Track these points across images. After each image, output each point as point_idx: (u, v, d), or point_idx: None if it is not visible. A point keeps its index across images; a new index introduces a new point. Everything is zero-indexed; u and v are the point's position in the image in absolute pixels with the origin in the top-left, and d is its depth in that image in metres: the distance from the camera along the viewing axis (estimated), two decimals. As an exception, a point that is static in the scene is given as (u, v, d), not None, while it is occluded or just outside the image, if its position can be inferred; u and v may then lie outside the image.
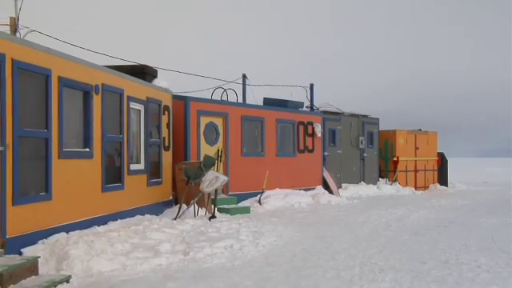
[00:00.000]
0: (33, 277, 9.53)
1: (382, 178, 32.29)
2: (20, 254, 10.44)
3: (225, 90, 24.70)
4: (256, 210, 20.38)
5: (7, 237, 10.27)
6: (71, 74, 12.75)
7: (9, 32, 13.82)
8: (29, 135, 11.22)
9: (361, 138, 30.90)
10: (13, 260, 9.61)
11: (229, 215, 18.40)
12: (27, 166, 11.09)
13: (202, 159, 19.01)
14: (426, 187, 33.87)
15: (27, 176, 11.06)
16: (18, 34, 14.16)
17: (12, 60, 10.51)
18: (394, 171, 32.43)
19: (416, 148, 33.95)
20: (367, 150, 31.37)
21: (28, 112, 11.15)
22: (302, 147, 26.02)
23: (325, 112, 28.88)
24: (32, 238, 11.07)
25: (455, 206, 23.69)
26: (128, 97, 15.73)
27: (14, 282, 9.03)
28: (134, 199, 16.00)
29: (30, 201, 11.18)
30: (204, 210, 17.62)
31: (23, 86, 10.86)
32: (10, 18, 14.45)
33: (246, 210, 19.59)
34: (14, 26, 14.39)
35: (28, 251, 10.63)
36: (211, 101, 22.30)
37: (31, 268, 9.64)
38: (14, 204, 10.52)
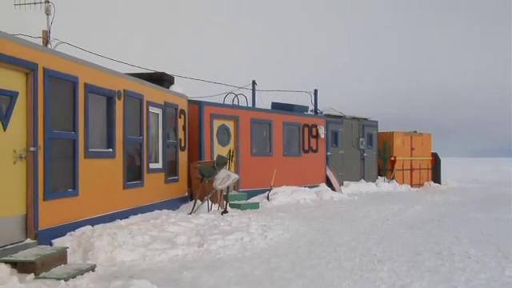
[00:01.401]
0: (62, 265, 9.65)
1: (381, 176, 32.29)
2: (51, 244, 10.54)
3: (236, 95, 24.71)
4: (264, 205, 20.41)
5: (39, 229, 10.37)
6: (96, 81, 12.83)
7: (41, 44, 13.90)
8: (58, 137, 11.31)
9: (361, 139, 30.91)
10: (44, 250, 9.73)
11: (239, 210, 18.44)
12: (57, 165, 11.17)
13: (215, 159, 19.06)
14: (420, 184, 33.84)
15: (57, 174, 11.15)
16: (49, 46, 14.25)
17: (43, 69, 10.62)
18: (392, 170, 32.42)
19: (412, 148, 33.93)
20: (367, 150, 31.38)
21: (57, 116, 11.24)
22: (306, 148, 26.06)
23: (328, 115, 28.90)
24: (61, 231, 11.16)
25: (447, 201, 23.67)
26: (147, 102, 15.80)
27: (45, 270, 9.15)
28: (153, 195, 16.06)
29: (59, 196, 11.26)
30: (217, 205, 17.66)
31: (53, 93, 10.95)
32: (43, 31, 14.55)
33: (256, 206, 19.63)
34: (46, 38, 14.49)
35: (57, 242, 10.73)
36: (223, 105, 22.34)
37: (61, 257, 9.75)
38: (45, 199, 10.63)
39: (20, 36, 10.80)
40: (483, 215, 18.14)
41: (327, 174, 27.11)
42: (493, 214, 18.31)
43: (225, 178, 17.30)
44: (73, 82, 11.87)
